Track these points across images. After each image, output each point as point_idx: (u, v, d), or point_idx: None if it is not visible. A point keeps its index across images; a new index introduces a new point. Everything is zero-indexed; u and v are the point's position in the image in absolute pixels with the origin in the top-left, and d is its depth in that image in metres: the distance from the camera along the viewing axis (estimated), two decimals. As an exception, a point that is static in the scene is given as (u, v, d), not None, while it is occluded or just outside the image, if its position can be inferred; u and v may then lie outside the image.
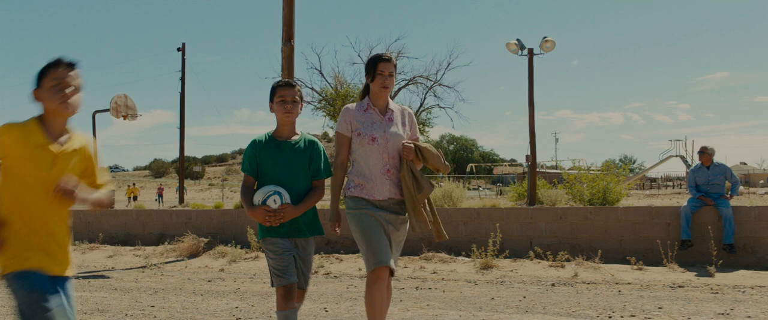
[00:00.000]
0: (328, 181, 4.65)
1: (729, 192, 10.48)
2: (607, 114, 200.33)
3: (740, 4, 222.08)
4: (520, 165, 71.44)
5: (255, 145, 4.39)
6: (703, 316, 6.29)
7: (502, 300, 7.34)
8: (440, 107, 30.55)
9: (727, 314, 6.39)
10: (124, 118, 24.38)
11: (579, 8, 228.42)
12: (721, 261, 9.45)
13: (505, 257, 10.59)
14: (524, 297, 7.49)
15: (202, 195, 68.64)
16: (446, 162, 4.71)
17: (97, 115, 22.51)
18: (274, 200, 4.19)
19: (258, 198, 4.21)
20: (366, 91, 4.75)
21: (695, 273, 9.02)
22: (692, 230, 10.13)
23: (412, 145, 4.58)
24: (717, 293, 7.64)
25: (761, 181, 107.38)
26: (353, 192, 4.57)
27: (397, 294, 7.79)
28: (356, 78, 33.81)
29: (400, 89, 29.47)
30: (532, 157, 24.61)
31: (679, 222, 10.24)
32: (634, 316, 6.36)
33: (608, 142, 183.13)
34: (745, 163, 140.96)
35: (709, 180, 10.40)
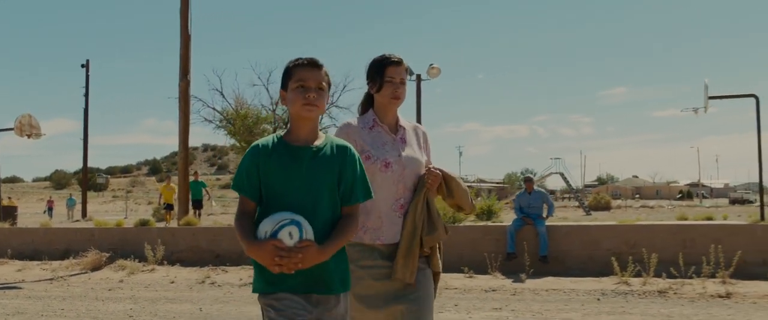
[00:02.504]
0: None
1: (546, 214, 12.84)
2: (514, 127, 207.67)
3: (640, 23, 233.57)
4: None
5: (257, 151, 2.93)
6: (482, 311, 8.47)
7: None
8: (337, 127, 32.57)
9: (500, 309, 8.59)
10: (29, 136, 25.43)
11: (485, 23, 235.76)
12: (532, 270, 11.73)
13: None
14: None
15: (105, 208, 68.70)
16: (473, 202, 3.82)
17: None
18: (290, 233, 2.72)
19: (266, 229, 2.73)
20: (368, 103, 3.69)
21: (511, 280, 11.26)
22: (516, 244, 12.40)
23: (439, 172, 3.59)
24: (515, 294, 9.87)
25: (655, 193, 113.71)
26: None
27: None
28: (256, 99, 35.64)
29: (297, 110, 31.42)
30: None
31: (507, 238, 12.52)
32: (436, 312, 8.50)
33: (514, 155, 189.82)
34: (636, 177, 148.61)
35: (530, 203, 12.76)
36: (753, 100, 19.62)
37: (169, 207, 22.59)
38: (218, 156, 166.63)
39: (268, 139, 2.98)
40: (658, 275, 10.52)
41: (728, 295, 9.36)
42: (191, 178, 20.77)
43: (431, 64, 29.01)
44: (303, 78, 2.89)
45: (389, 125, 3.60)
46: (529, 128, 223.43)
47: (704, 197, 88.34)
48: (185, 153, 16.86)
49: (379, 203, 3.43)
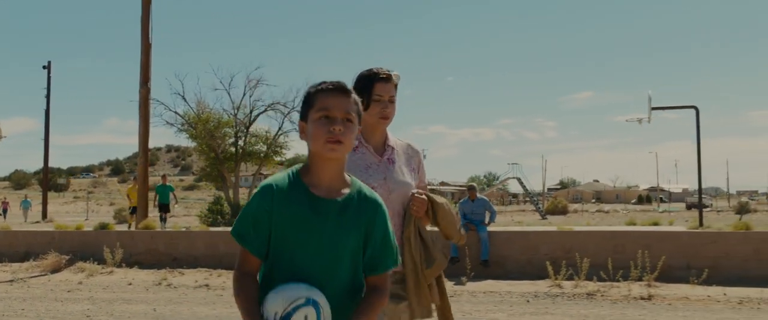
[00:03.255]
0: None
1: (488, 220, 13.55)
2: (480, 130, 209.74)
3: (605, 29, 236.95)
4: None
5: (272, 194, 2.31)
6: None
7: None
8: (298, 131, 33.08)
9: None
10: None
11: (455, 27, 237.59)
12: (473, 274, 12.41)
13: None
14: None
15: (66, 209, 68.36)
16: (462, 230, 3.51)
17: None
18: (306, 318, 2.19)
19: (275, 309, 2.20)
20: None
21: (453, 283, 11.92)
22: (460, 249, 13.08)
23: (424, 197, 3.28)
24: (452, 296, 10.54)
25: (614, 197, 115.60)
26: None
27: (217, 299, 10.29)
28: (218, 103, 36.06)
29: (259, 115, 31.82)
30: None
31: (450, 243, 13.19)
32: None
33: (480, 157, 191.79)
34: (597, 181, 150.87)
35: (473, 210, 13.46)
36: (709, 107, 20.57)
37: (135, 210, 22.70)
38: (182, 157, 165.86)
39: (283, 180, 2.35)
40: (589, 278, 11.27)
41: (650, 297, 10.12)
42: (159, 182, 21.21)
43: (391, 71, 29.67)
44: (327, 106, 2.32)
45: (375, 146, 3.34)
46: (494, 131, 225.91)
47: (663, 201, 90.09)
48: (145, 158, 17.32)
49: None
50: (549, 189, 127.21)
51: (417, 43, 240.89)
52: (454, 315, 3.70)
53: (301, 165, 2.44)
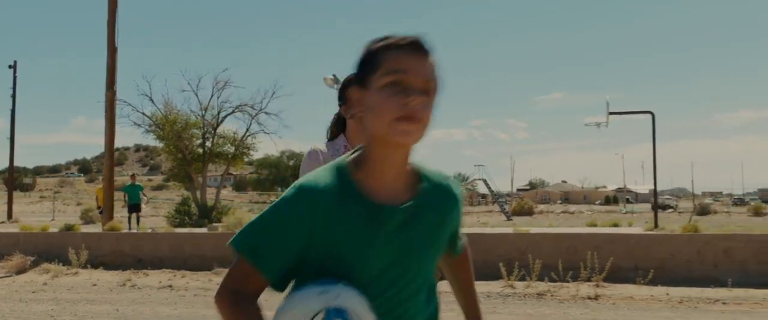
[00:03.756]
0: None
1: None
2: (451, 130, 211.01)
3: (574, 31, 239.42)
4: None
5: (314, 202, 1.62)
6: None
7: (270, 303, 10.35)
8: (265, 132, 33.33)
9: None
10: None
11: (426, 27, 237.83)
12: (430, 274, 12.82)
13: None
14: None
15: (32, 209, 67.65)
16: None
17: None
18: None
19: None
20: (338, 127, 3.21)
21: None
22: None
23: None
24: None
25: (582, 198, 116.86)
26: None
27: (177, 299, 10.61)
28: (185, 105, 36.18)
29: (227, 116, 32.02)
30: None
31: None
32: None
33: (452, 158, 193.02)
34: (565, 182, 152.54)
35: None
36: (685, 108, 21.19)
37: (99, 210, 22.72)
38: (150, 156, 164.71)
39: (328, 179, 1.66)
40: (541, 279, 11.73)
41: (597, 297, 10.59)
42: (129, 182, 21.34)
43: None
44: (402, 68, 1.60)
45: None
46: (466, 132, 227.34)
47: (629, 202, 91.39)
48: (111, 161, 17.53)
49: None
50: (518, 190, 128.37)
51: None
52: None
53: (351, 155, 1.74)
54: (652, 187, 21.69)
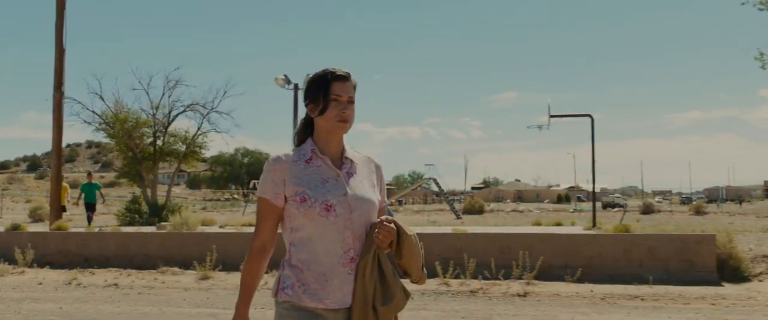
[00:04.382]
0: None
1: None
2: (406, 128, 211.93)
3: (528, 31, 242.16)
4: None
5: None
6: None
7: (211, 301, 10.70)
8: (217, 131, 33.47)
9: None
10: None
11: (381, 26, 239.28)
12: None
13: (220, 270, 13.89)
14: (209, 298, 10.87)
15: (-21, 206, 66.41)
16: (425, 270, 3.02)
17: None
18: None
19: None
20: (306, 131, 3.01)
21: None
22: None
23: (393, 227, 2.84)
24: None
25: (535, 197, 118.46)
26: (288, 296, 2.80)
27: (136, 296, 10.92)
28: (136, 104, 36.10)
29: (178, 115, 32.11)
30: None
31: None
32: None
33: (407, 156, 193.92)
34: (519, 180, 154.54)
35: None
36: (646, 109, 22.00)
37: (65, 209, 22.34)
38: (102, 153, 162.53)
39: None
40: (476, 277, 12.29)
41: (526, 294, 11.18)
42: (85, 181, 21.36)
43: (308, 74, 30.26)
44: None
45: (332, 157, 2.91)
46: (421, 130, 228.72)
47: (580, 200, 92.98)
48: (58, 162, 17.65)
49: (322, 256, 2.76)
50: (473, 188, 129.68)
51: (342, 41, 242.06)
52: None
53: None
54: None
